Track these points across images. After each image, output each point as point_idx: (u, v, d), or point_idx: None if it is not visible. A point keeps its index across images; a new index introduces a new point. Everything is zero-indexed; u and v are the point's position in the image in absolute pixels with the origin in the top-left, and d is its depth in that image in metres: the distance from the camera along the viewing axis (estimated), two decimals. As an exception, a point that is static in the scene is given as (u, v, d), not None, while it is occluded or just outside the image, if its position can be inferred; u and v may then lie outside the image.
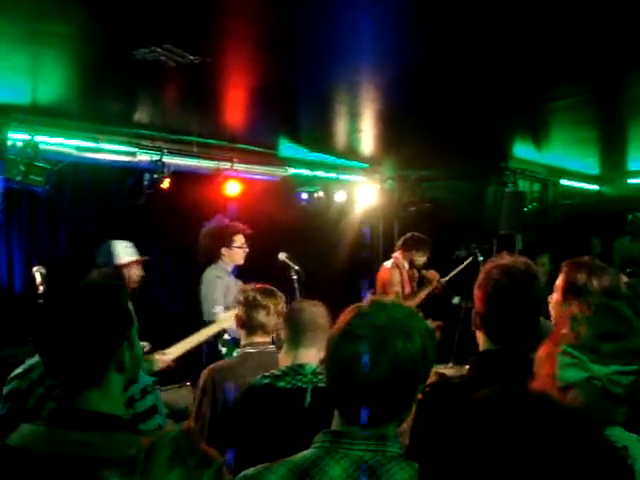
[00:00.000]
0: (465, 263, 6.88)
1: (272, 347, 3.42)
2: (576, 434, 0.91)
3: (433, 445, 1.81)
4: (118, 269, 4.87)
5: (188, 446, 1.13)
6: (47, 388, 2.43)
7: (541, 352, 1.77)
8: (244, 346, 3.45)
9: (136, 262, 5.17)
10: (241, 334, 3.52)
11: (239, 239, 5.73)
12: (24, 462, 1.54)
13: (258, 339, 3.40)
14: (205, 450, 1.15)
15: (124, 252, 5.10)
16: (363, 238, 8.81)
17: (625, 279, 3.96)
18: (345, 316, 1.61)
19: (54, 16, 3.25)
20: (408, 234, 6.95)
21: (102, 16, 3.26)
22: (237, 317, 3.49)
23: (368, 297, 1.67)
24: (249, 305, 3.39)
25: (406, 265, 6.78)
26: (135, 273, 5.10)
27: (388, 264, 6.82)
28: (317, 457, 1.53)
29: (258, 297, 3.39)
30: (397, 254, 6.81)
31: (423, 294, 6.63)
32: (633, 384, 1.60)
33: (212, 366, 3.40)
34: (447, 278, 6.77)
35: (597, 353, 1.63)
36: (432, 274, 6.74)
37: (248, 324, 3.41)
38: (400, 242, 6.96)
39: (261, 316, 3.36)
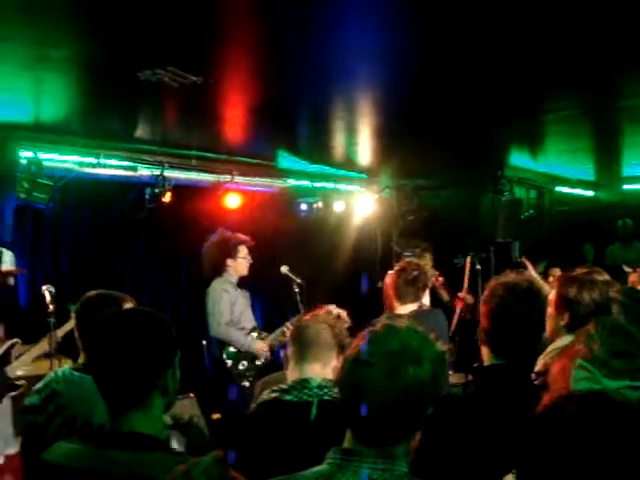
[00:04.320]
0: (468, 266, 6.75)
1: None
2: None
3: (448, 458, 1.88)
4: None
5: (219, 474, 1.19)
6: (57, 406, 2.48)
7: (556, 368, 1.87)
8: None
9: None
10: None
11: (243, 250, 5.78)
12: (69, 478, 1.64)
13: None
14: (235, 477, 1.21)
15: (9, 261, 4.94)
16: (362, 247, 8.86)
17: (617, 287, 4.04)
18: (358, 340, 1.67)
19: (60, 41, 3.34)
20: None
21: (106, 41, 3.35)
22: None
23: (383, 319, 1.73)
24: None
25: None
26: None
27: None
28: (329, 473, 1.60)
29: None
30: None
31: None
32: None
33: (264, 379, 3.44)
34: (465, 294, 6.50)
35: (609, 368, 1.75)
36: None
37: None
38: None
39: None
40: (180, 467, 1.21)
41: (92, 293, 2.81)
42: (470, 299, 6.25)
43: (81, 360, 2.69)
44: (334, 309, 3.51)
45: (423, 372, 1.57)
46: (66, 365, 2.82)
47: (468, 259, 6.73)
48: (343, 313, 3.36)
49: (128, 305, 2.74)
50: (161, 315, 1.86)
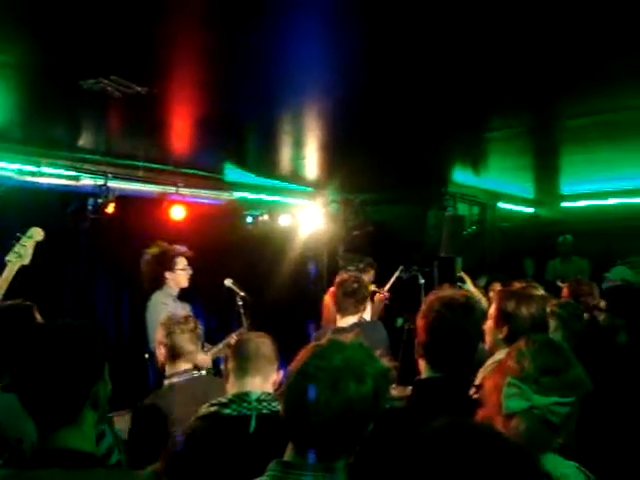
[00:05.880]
0: (397, 272, 6.91)
1: (197, 373, 3.57)
2: (519, 466, 1.03)
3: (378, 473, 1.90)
4: None
5: None
6: None
7: (489, 383, 1.91)
8: (170, 376, 3.52)
9: None
10: (165, 364, 3.59)
11: (181, 262, 5.71)
12: None
13: (183, 366, 3.51)
14: None
15: None
16: (308, 261, 8.89)
17: (554, 301, 4.18)
18: (303, 354, 1.69)
19: (1, 47, 3.26)
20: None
21: (48, 47, 3.29)
22: (160, 347, 3.59)
23: (328, 334, 1.75)
24: (172, 333, 3.52)
25: None
26: None
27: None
28: None
29: (180, 325, 3.55)
30: None
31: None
32: (568, 414, 1.76)
33: (141, 404, 3.41)
34: (387, 287, 6.74)
35: (538, 385, 1.80)
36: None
37: (172, 352, 3.51)
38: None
39: (185, 343, 3.50)
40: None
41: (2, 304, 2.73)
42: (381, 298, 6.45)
43: None
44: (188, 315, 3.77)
45: (365, 388, 1.59)
46: None
47: (400, 269, 6.95)
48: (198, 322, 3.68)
49: (37, 314, 2.66)
50: (88, 325, 1.80)
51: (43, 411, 1.65)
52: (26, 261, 3.52)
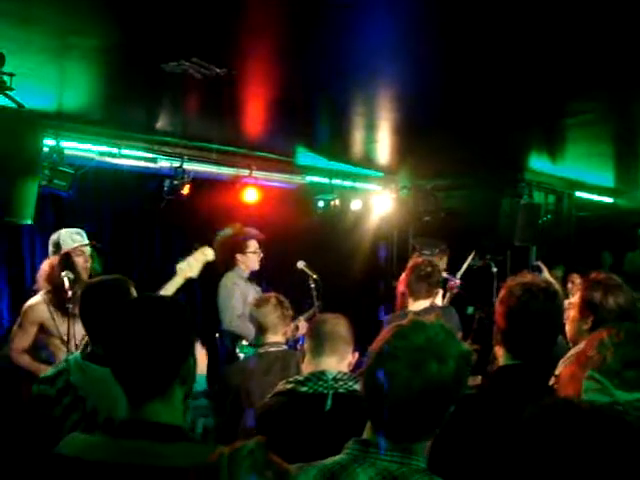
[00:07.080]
0: (469, 259, 6.76)
1: (282, 346, 3.71)
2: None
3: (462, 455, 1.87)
4: (66, 257, 4.43)
5: (264, 458, 1.20)
6: (74, 398, 2.44)
7: (565, 373, 1.83)
8: (258, 346, 3.77)
9: (82, 247, 4.62)
10: (256, 337, 3.86)
11: (252, 244, 5.80)
12: (81, 471, 1.59)
13: (271, 339, 3.70)
14: (278, 463, 1.22)
15: (69, 239, 4.56)
16: (378, 246, 8.85)
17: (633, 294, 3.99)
18: (385, 334, 1.67)
19: (86, 31, 3.36)
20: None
21: (132, 31, 3.38)
22: (252, 319, 3.84)
23: (410, 315, 1.73)
24: (260, 309, 3.77)
25: None
26: (81, 259, 4.56)
27: None
28: (346, 463, 1.61)
29: (267, 301, 3.80)
30: None
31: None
32: None
33: (228, 367, 3.83)
34: (459, 274, 6.61)
35: (621, 379, 1.70)
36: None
37: (259, 326, 3.74)
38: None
39: (272, 317, 3.71)
40: (224, 449, 1.21)
41: (96, 279, 2.82)
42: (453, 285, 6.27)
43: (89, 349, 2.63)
44: (278, 295, 3.92)
45: (446, 369, 1.57)
46: (76, 353, 2.74)
47: (471, 256, 6.78)
48: (285, 300, 3.87)
49: (133, 289, 2.74)
50: (179, 302, 1.83)
51: (135, 384, 1.69)
52: (194, 275, 3.59)
